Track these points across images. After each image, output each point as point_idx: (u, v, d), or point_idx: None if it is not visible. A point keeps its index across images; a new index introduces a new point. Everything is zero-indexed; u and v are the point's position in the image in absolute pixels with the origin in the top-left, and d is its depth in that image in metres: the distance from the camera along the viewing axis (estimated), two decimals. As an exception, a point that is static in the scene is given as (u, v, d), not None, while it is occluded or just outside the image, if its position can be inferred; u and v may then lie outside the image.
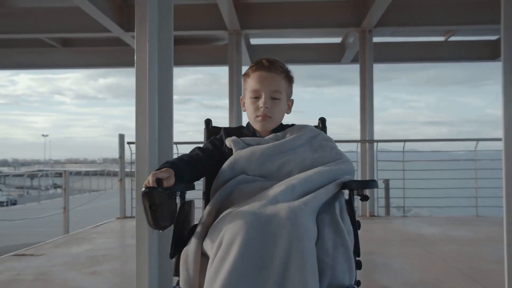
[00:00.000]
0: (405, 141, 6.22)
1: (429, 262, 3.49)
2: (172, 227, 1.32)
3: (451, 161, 7.13)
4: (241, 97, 1.62)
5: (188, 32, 7.03)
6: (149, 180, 1.24)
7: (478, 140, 6.08)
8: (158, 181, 1.23)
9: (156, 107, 2.34)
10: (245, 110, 1.59)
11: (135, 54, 2.31)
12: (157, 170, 1.29)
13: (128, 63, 8.97)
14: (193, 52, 8.54)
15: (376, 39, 7.03)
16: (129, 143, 5.91)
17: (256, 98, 1.52)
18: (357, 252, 1.29)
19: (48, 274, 3.18)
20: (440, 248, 3.96)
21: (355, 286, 1.21)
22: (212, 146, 1.57)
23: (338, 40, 8.40)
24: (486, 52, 8.13)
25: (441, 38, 8.10)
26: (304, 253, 1.10)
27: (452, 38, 8.00)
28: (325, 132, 1.67)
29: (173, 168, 1.30)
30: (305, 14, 6.47)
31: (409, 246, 4.10)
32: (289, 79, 1.57)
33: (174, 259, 1.32)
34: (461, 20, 6.64)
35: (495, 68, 9.42)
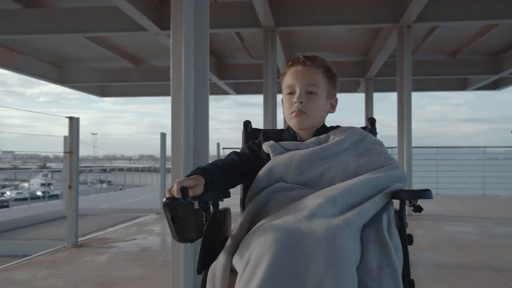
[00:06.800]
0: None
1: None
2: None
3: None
4: (281, 99, 1.50)
5: (222, 30, 6.78)
6: (173, 189, 1.14)
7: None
8: (183, 190, 1.13)
9: (191, 106, 2.36)
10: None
11: (171, 54, 2.32)
12: (186, 176, 1.21)
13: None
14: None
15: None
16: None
17: (291, 94, 1.42)
18: (407, 273, 1.16)
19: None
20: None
21: None
22: (249, 150, 1.47)
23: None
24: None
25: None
26: (341, 281, 0.98)
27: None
28: (374, 134, 1.51)
29: (203, 175, 1.22)
30: (340, 11, 6.33)
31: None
32: (330, 75, 1.44)
33: (202, 274, 1.22)
34: (503, 13, 6.27)
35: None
